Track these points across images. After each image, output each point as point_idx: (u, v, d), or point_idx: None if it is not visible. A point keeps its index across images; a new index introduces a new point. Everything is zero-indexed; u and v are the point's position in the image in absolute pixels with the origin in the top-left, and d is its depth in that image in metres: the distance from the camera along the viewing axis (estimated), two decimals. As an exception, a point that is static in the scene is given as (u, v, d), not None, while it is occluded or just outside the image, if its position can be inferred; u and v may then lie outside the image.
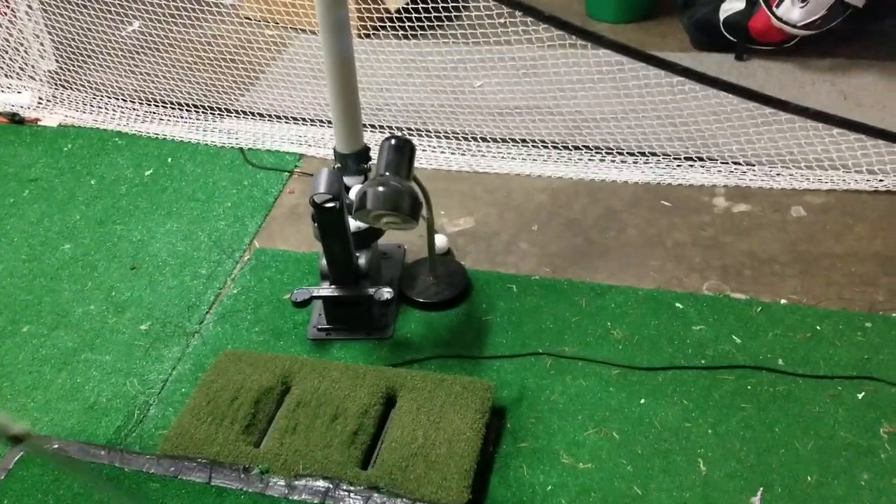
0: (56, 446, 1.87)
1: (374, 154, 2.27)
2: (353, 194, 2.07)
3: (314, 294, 2.13)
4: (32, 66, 3.41)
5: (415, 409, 1.87)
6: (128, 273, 2.49)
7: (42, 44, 3.40)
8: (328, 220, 1.98)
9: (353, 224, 2.12)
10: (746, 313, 2.15)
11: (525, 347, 2.11)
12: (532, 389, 1.99)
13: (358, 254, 2.14)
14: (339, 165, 2.24)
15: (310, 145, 3.04)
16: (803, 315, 2.13)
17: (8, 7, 3.33)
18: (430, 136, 2.99)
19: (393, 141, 1.99)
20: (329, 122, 3.12)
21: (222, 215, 2.71)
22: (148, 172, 2.95)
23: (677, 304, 2.20)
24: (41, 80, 3.43)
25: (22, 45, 3.38)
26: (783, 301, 2.19)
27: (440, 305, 2.26)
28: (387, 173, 1.96)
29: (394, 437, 1.82)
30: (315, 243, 2.50)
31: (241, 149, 3.05)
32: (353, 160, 2.22)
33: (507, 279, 2.34)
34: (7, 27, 3.35)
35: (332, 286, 2.15)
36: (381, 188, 1.91)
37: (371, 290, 2.11)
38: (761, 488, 1.72)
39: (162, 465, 1.80)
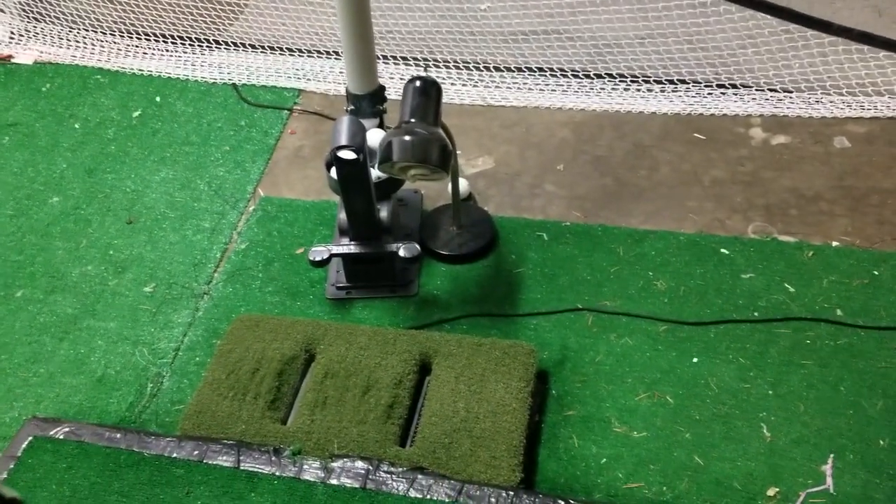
0: (67, 429, 1.72)
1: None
2: (372, 142, 1.89)
3: (333, 252, 1.96)
4: (0, -2, 3.14)
5: (453, 378, 1.73)
6: (124, 228, 2.31)
7: (9, -28, 3.12)
8: (350, 173, 1.80)
9: (373, 174, 1.93)
10: (797, 258, 2.01)
11: (562, 303, 1.97)
12: (574, 350, 1.86)
13: (379, 206, 1.97)
14: (352, 107, 2.05)
15: (308, 79, 2.81)
16: (858, 259, 2.00)
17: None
18: (439, 67, 2.78)
19: (418, 83, 1.80)
20: (328, 54, 2.89)
21: (221, 160, 2.51)
22: (136, 114, 2.73)
23: (722, 250, 2.05)
24: (11, 12, 3.15)
25: (-14, -27, 3.10)
26: (835, 244, 2.05)
27: (466, 258, 2.11)
28: (412, 119, 1.77)
29: (433, 409, 1.69)
30: (325, 190, 2.33)
31: (234, 84, 2.82)
32: (368, 102, 2.03)
33: (535, 226, 2.18)
34: (-31, -46, 3.06)
35: (352, 242, 1.98)
36: (407, 137, 1.72)
37: (395, 246, 1.95)
38: (832, 455, 1.62)
39: (185, 447, 1.65)
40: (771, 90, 2.51)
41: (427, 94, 1.80)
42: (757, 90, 2.52)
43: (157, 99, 2.79)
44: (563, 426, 1.72)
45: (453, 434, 1.63)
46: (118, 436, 1.70)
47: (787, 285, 1.95)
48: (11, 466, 1.67)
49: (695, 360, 1.81)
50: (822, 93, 2.47)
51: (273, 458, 1.62)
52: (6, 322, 2.08)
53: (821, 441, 1.64)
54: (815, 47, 2.46)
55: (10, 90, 2.89)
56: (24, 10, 3.17)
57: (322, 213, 2.28)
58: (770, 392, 1.74)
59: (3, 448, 1.75)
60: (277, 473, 1.60)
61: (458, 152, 2.42)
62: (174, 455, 1.65)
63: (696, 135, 2.42)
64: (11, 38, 3.10)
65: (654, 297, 1.96)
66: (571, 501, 1.51)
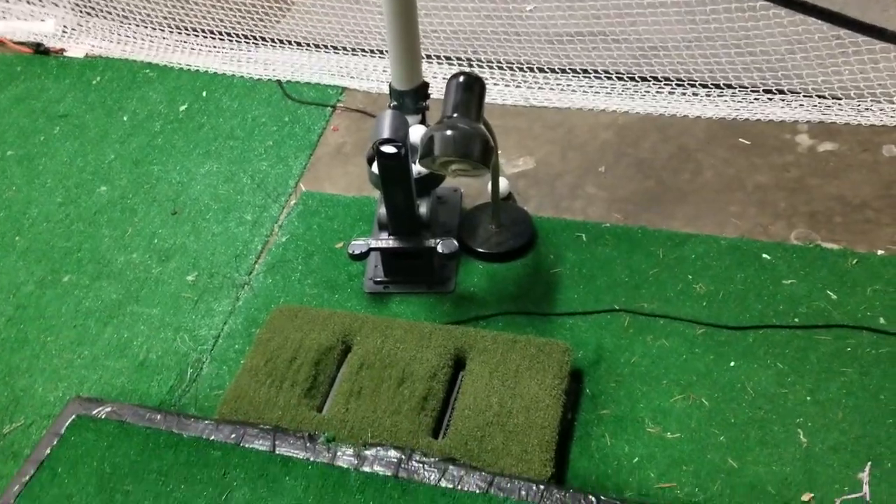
0: (109, 409, 1.76)
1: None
2: (414, 138, 1.90)
3: (373, 246, 1.98)
4: (56, -8, 3.22)
5: (487, 374, 1.74)
6: (169, 218, 2.35)
7: (65, -33, 3.20)
8: (391, 167, 1.82)
9: (414, 169, 1.95)
10: (841, 266, 1.99)
11: (599, 303, 1.96)
12: (610, 350, 1.86)
13: (419, 202, 1.98)
14: (395, 104, 2.07)
15: (352, 77, 2.84)
16: (903, 267, 1.97)
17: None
18: (482, 66, 2.79)
19: (461, 78, 1.81)
20: (371, 52, 2.92)
21: (264, 155, 2.55)
22: (182, 108, 2.78)
23: (764, 256, 2.03)
24: (65, 6, 3.23)
25: (44, -32, 3.18)
26: (880, 252, 2.02)
27: (504, 256, 2.11)
28: (455, 115, 1.78)
29: (466, 403, 1.69)
30: (365, 186, 2.35)
31: (278, 81, 2.86)
32: (412, 98, 2.04)
33: (575, 227, 2.18)
34: (28, -51, 3.15)
35: (392, 237, 2.00)
36: (449, 132, 1.73)
37: (434, 242, 1.96)
38: (869, 463, 1.59)
39: (223, 431, 1.68)
40: (819, 96, 2.48)
41: (470, 89, 1.81)
42: (805, 96, 2.49)
43: (204, 94, 2.84)
44: (596, 425, 1.71)
45: (486, 427, 1.64)
46: (158, 417, 1.73)
47: (829, 292, 1.92)
48: (55, 443, 1.71)
49: (732, 363, 1.80)
50: (871, 100, 2.43)
51: (308, 444, 1.64)
52: (53, 305, 2.13)
53: (859, 449, 1.62)
54: (867, 53, 2.42)
55: (61, 83, 2.96)
56: (76, 5, 3.24)
57: (362, 209, 2.30)
58: (808, 398, 1.71)
59: (47, 426, 1.80)
60: (312, 459, 1.62)
61: (499, 152, 2.43)
62: (212, 438, 1.68)
63: (741, 140, 2.40)
64: (64, 32, 3.18)
65: (693, 301, 1.94)
66: (602, 498, 1.50)
